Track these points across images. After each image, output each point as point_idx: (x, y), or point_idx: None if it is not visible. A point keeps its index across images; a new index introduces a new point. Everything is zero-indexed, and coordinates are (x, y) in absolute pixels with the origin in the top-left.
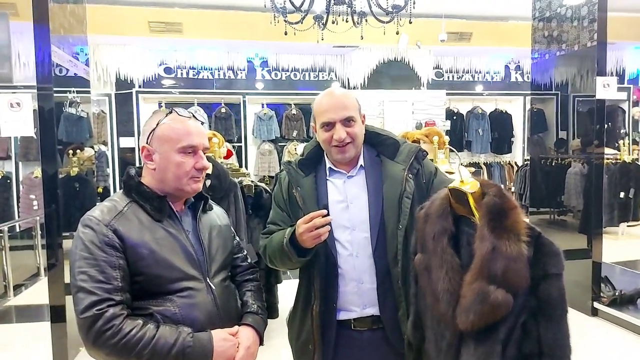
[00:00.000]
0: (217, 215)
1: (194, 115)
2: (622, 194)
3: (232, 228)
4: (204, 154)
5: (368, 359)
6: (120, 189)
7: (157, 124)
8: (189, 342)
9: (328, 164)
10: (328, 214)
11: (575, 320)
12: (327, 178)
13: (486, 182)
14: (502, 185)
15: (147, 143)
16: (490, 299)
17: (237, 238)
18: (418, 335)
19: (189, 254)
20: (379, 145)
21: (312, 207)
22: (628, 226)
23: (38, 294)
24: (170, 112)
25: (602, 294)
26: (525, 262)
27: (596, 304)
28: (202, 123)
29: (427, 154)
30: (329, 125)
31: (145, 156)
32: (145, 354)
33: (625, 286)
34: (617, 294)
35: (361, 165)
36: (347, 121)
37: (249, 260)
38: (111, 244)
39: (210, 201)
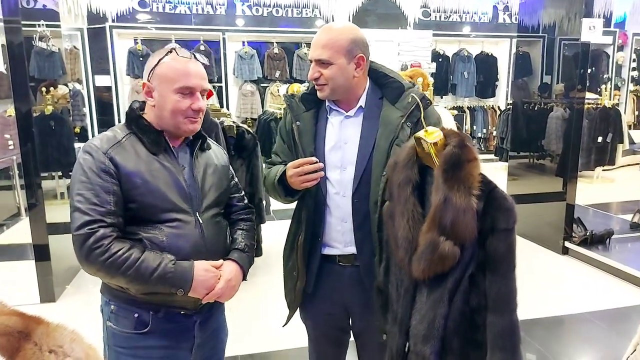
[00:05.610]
0: (215, 154)
1: (195, 56)
2: (599, 139)
3: (230, 169)
4: (203, 95)
5: (347, 291)
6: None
7: (158, 62)
8: (171, 268)
9: (327, 102)
10: (319, 162)
11: (546, 258)
12: (327, 116)
13: (451, 132)
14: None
15: (147, 80)
16: (439, 249)
17: (236, 179)
18: (387, 281)
19: (181, 188)
20: (384, 87)
21: (308, 142)
22: (603, 170)
23: (20, 233)
24: (171, 52)
25: (573, 234)
26: (473, 215)
27: (567, 244)
28: (204, 65)
29: (431, 102)
30: (311, 62)
31: (146, 93)
32: (129, 274)
33: (596, 227)
34: (588, 234)
35: (361, 106)
36: (320, 62)
37: (246, 202)
38: (107, 171)
39: (210, 140)
